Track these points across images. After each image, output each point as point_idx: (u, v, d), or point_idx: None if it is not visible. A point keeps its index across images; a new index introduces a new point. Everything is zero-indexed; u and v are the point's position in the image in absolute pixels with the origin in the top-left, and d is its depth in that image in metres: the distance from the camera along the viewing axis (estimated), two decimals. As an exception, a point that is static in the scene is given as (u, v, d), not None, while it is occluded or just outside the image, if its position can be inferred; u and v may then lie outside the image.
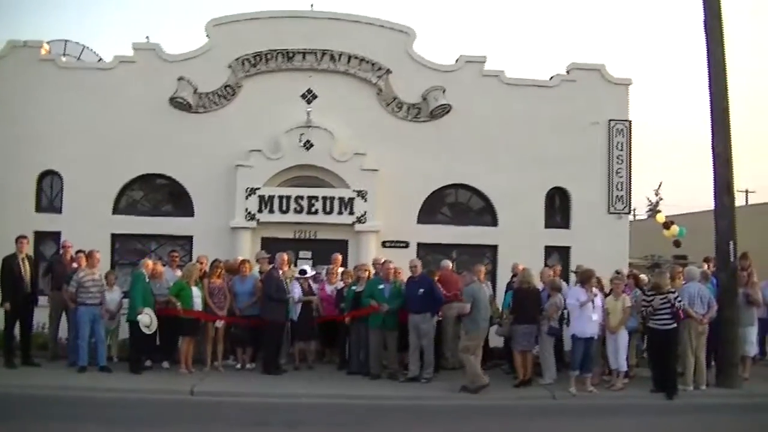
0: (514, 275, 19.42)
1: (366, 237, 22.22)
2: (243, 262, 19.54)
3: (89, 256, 18.54)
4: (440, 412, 15.72)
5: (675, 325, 17.08)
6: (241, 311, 18.84)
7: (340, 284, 19.80)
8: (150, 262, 18.79)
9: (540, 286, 18.72)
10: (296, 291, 19.17)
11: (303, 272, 19.65)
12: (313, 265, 21.01)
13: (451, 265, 20.53)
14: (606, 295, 17.84)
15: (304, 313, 19.28)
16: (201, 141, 22.22)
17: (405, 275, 18.83)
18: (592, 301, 17.20)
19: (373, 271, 19.69)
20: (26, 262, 18.45)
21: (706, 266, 20.27)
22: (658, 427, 15.06)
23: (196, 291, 18.33)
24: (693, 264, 20.77)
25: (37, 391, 16.04)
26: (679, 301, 17.14)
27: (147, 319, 17.84)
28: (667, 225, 29.31)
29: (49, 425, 13.38)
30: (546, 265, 21.33)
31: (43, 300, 19.13)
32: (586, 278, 17.66)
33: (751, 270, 19.36)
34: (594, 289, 17.44)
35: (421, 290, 18.05)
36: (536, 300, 17.99)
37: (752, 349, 19.04)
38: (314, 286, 19.83)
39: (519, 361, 17.83)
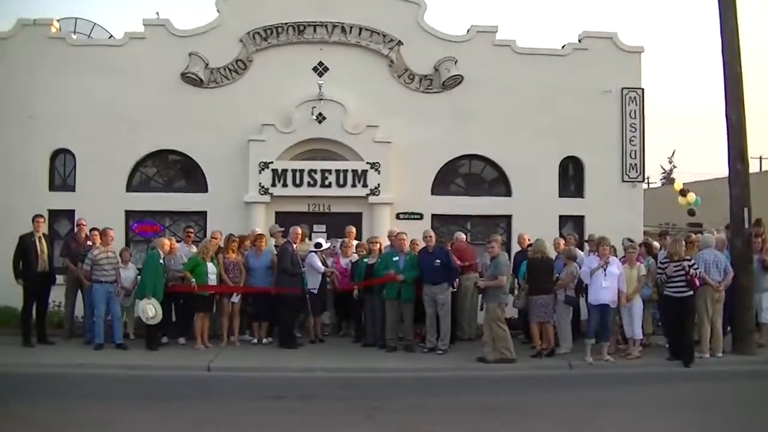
0: (528, 244, 19.37)
1: (380, 209, 22.19)
2: (259, 236, 19.57)
3: (103, 233, 18.61)
4: (456, 384, 15.77)
5: (690, 292, 17.04)
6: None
7: (355, 257, 19.84)
8: (167, 242, 18.83)
9: (553, 255, 18.74)
10: (317, 262, 19.21)
11: (318, 245, 19.67)
12: (328, 238, 21.02)
13: (464, 236, 20.55)
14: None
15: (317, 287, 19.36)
16: (213, 116, 22.18)
17: (421, 246, 18.85)
18: (604, 268, 17.20)
19: (385, 243, 19.68)
20: (42, 241, 18.56)
21: (725, 233, 20.12)
22: (675, 394, 15.00)
23: (211, 267, 18.40)
24: (710, 231, 20.65)
25: (55, 369, 16.15)
26: (696, 269, 17.08)
27: (151, 310, 17.83)
28: (683, 192, 29.27)
29: (67, 403, 13.42)
30: (560, 234, 21.29)
31: (59, 279, 19.22)
32: (597, 245, 17.69)
33: (765, 236, 19.28)
34: (611, 257, 17.42)
35: (438, 261, 18.06)
36: (550, 270, 17.97)
37: (767, 316, 18.97)
38: (329, 260, 19.86)
39: (536, 331, 17.85)
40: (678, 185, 30.93)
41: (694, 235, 19.86)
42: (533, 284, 17.86)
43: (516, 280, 19.14)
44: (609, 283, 17.16)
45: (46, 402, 13.50)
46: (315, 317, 19.57)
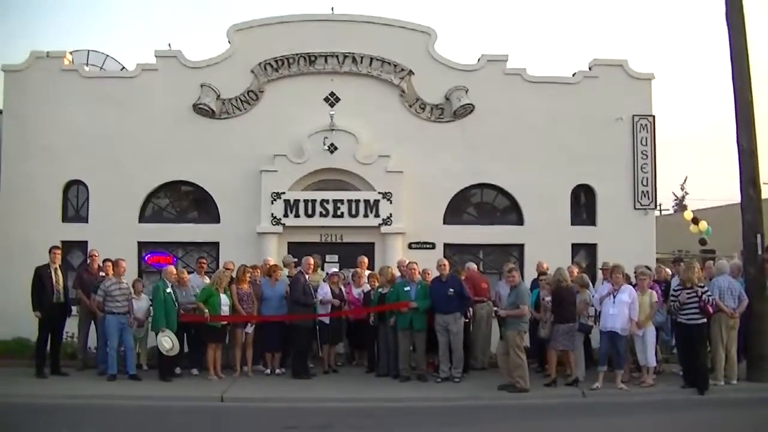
0: (541, 274, 19.37)
1: (392, 239, 22.20)
2: (274, 266, 19.58)
3: (115, 264, 18.61)
4: (470, 413, 15.68)
5: (704, 320, 16.99)
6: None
7: (367, 287, 19.83)
8: (173, 270, 18.84)
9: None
10: (323, 291, 19.17)
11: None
12: (340, 269, 21.02)
13: (475, 266, 20.52)
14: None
15: (334, 318, 19.33)
16: (225, 147, 22.29)
17: (433, 276, 18.85)
18: (614, 296, 17.16)
19: (397, 274, 19.69)
20: (59, 272, 18.56)
21: (740, 260, 20.05)
22: (689, 422, 14.96)
23: (224, 299, 18.38)
24: (722, 258, 20.61)
25: (68, 400, 16.13)
26: (709, 296, 17.04)
27: (168, 343, 17.84)
28: (695, 221, 29.27)
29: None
30: (573, 262, 21.28)
31: (72, 310, 19.24)
32: (611, 273, 17.68)
33: (778, 262, 19.25)
34: (624, 285, 17.39)
35: (451, 290, 18.05)
36: (573, 298, 17.93)
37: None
38: (344, 288, 19.83)
39: (554, 360, 17.79)
40: (688, 214, 30.96)
41: (697, 264, 19.82)
42: (557, 313, 17.82)
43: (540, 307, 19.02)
44: (618, 310, 17.10)
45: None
46: (330, 347, 19.52)
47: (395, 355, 18.62)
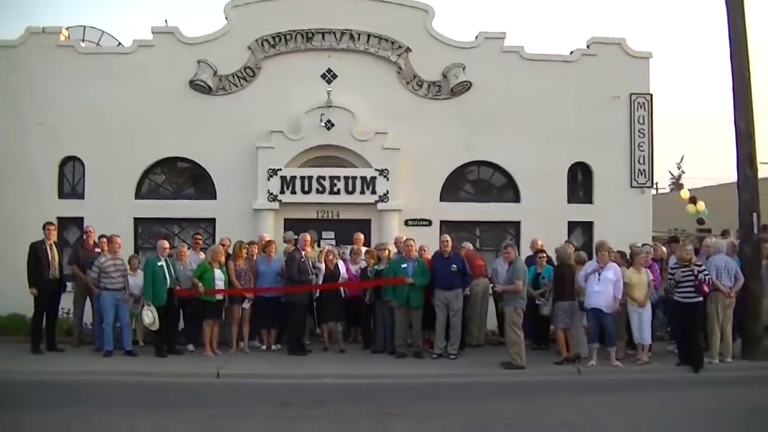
0: (538, 251, 19.40)
1: (388, 216, 22.17)
2: (269, 242, 19.60)
3: (110, 241, 18.60)
4: (466, 389, 15.73)
5: (699, 298, 16.99)
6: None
7: (363, 263, 19.85)
8: (166, 244, 18.78)
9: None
10: (322, 269, 19.21)
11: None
12: (336, 245, 21.05)
13: (470, 245, 20.50)
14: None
15: (331, 294, 19.29)
16: (222, 123, 22.22)
17: (430, 253, 18.89)
18: (599, 273, 17.18)
19: (394, 250, 19.68)
20: (54, 249, 18.57)
21: (724, 239, 20.11)
22: (684, 400, 14.98)
23: (219, 274, 18.36)
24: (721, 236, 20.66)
25: (64, 376, 16.14)
26: (706, 274, 17.03)
27: (149, 318, 17.88)
28: (693, 200, 29.30)
29: (76, 410, 13.41)
30: (565, 241, 21.24)
31: (68, 286, 19.25)
32: (597, 250, 17.75)
33: (773, 242, 19.30)
34: (610, 263, 17.37)
35: (454, 266, 18.10)
36: (574, 276, 17.95)
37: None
38: (341, 263, 19.79)
39: (563, 338, 17.84)
40: (685, 193, 31.00)
41: (708, 240, 19.84)
42: (558, 291, 17.85)
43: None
44: (602, 287, 17.12)
45: (54, 409, 13.49)
46: (333, 326, 19.50)
47: (391, 331, 18.67)
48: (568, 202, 23.14)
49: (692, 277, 16.88)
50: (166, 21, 24.03)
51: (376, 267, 19.22)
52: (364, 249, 20.41)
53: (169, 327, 18.51)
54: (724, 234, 21.15)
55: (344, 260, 20.10)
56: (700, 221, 29.41)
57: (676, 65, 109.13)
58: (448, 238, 18.78)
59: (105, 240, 18.81)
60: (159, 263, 18.08)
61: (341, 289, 19.50)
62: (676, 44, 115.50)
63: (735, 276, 17.81)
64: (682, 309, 17.17)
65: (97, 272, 18.30)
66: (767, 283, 18.73)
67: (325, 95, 22.07)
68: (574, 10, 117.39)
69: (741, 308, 18.14)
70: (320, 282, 19.09)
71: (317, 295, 19.35)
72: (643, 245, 18.93)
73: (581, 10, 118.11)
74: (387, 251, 19.48)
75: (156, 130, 22.19)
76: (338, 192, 22.00)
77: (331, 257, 19.42)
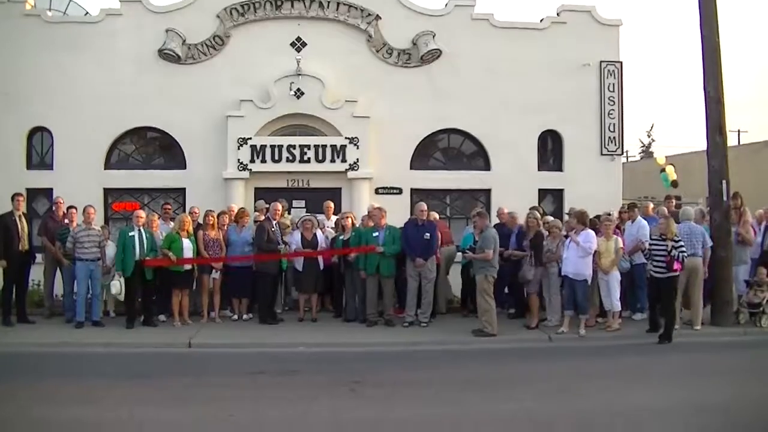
0: (506, 222, 19.44)
1: (359, 184, 22.20)
2: (241, 211, 19.58)
3: (84, 212, 18.46)
4: (438, 357, 15.79)
5: (669, 274, 16.78)
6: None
7: (331, 233, 19.88)
8: (143, 214, 18.61)
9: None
10: (294, 239, 19.21)
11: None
12: (307, 213, 21.00)
13: (436, 214, 20.42)
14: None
15: (307, 265, 19.24)
16: (191, 92, 22.10)
17: (391, 221, 18.90)
18: (570, 240, 17.33)
19: (362, 219, 19.68)
20: (23, 220, 18.41)
21: (666, 206, 20.24)
22: (654, 365, 15.02)
23: (187, 243, 18.26)
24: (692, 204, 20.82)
25: (35, 348, 16.09)
26: (681, 252, 16.76)
27: (115, 288, 17.84)
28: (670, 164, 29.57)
29: (48, 381, 13.32)
30: (531, 208, 21.18)
31: (38, 257, 19.14)
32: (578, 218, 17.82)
33: (743, 209, 19.38)
34: (582, 231, 17.43)
35: (428, 234, 18.14)
36: (542, 242, 18.07)
37: (743, 288, 19.01)
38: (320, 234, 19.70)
39: (536, 304, 18.12)
40: (661, 159, 31.19)
41: (651, 205, 20.01)
42: (535, 256, 17.98)
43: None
44: (570, 254, 17.24)
45: (27, 381, 13.38)
46: (309, 296, 19.48)
47: (363, 300, 18.70)
48: (539, 169, 23.24)
49: (665, 252, 16.82)
50: (134, -11, 23.80)
51: (341, 237, 19.21)
52: (334, 217, 20.41)
53: (146, 298, 18.48)
54: (668, 199, 21.28)
55: (322, 227, 20.02)
56: (675, 184, 29.47)
57: (647, 33, 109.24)
58: (425, 207, 18.74)
59: (74, 211, 18.68)
60: (131, 233, 17.97)
61: (318, 258, 19.43)
62: (646, 12, 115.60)
63: (703, 243, 17.91)
64: (655, 283, 17.17)
65: (72, 242, 18.15)
66: (736, 250, 18.86)
67: (294, 64, 21.96)
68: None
69: (711, 275, 18.27)
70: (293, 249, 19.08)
71: (287, 265, 19.35)
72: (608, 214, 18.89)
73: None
74: (350, 219, 19.44)
75: (124, 99, 22.00)
76: (308, 161, 21.96)
77: (309, 226, 19.35)
